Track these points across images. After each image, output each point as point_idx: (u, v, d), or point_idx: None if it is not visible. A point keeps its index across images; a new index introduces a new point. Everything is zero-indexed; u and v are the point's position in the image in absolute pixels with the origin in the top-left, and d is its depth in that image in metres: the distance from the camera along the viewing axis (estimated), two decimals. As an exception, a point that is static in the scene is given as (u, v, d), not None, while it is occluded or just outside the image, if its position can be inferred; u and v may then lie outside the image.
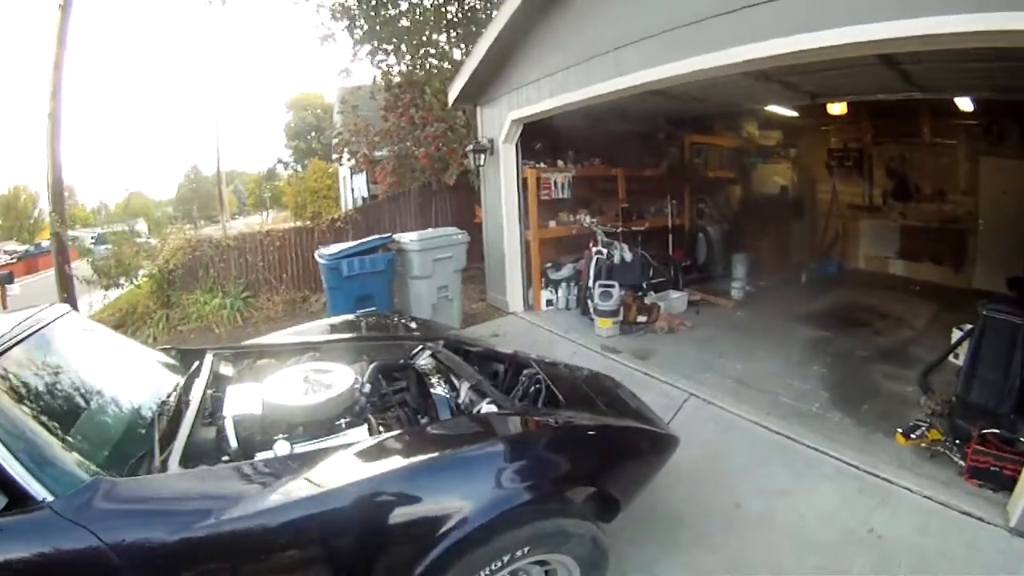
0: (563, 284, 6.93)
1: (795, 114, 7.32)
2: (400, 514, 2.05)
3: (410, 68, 10.07)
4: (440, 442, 2.38)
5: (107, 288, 9.42)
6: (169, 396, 2.70)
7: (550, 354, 5.43)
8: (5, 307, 10.02)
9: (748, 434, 3.84)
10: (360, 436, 2.46)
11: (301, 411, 2.55)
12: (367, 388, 2.88)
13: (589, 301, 6.14)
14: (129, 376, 2.86)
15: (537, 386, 2.96)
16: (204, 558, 1.78)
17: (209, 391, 2.82)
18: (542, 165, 6.88)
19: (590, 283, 6.12)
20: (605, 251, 6.25)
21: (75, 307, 9.64)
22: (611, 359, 5.24)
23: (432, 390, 2.88)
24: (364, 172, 12.45)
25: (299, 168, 18.35)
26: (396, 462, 2.17)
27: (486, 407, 2.62)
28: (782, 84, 5.50)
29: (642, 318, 5.96)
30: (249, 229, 11.37)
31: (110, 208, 45.38)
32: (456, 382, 2.94)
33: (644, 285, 6.38)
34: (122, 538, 1.68)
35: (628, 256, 6.30)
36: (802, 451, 3.56)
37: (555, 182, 6.87)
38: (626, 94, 4.84)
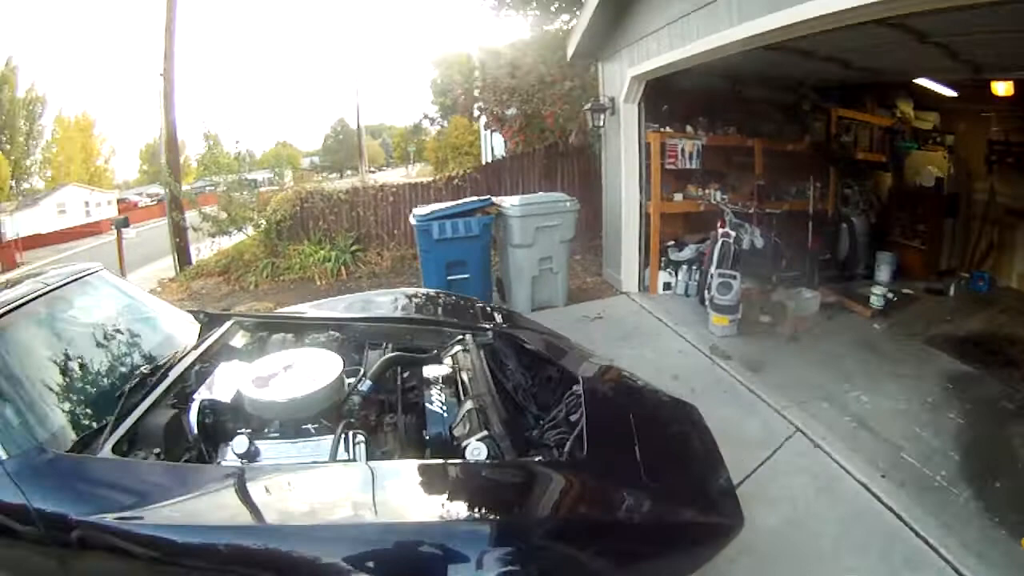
0: (684, 267, 6.75)
1: (954, 93, 6.69)
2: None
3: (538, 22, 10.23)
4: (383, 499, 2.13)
5: (213, 236, 10.58)
6: (155, 369, 2.90)
7: (649, 350, 5.39)
8: (120, 250, 11.59)
9: (850, 502, 3.36)
10: (318, 451, 2.41)
11: (268, 406, 2.54)
12: (366, 385, 2.81)
13: (707, 291, 5.90)
14: (128, 344, 3.19)
15: (574, 416, 2.70)
16: (98, 546, 2.05)
17: (196, 367, 2.98)
18: (668, 130, 6.68)
19: (712, 269, 5.83)
20: (734, 234, 5.92)
21: (186, 254, 10.93)
22: (718, 365, 5.02)
23: (427, 403, 2.68)
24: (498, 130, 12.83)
25: (444, 124, 19.60)
26: (300, 508, 2.10)
27: (475, 445, 2.31)
28: (941, 49, 4.99)
29: (765, 318, 5.69)
30: (376, 182, 12.11)
31: (255, 155, 49.91)
32: (464, 395, 2.72)
33: (774, 278, 6.08)
34: (42, 505, 2.09)
35: (759, 242, 6.01)
36: (908, 539, 3.10)
37: (682, 150, 6.65)
38: (752, 45, 4.53)
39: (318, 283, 9.30)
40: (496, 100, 10.93)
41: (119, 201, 45.55)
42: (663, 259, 6.89)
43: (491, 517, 2.05)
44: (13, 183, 46.23)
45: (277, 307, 7.42)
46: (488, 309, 4.20)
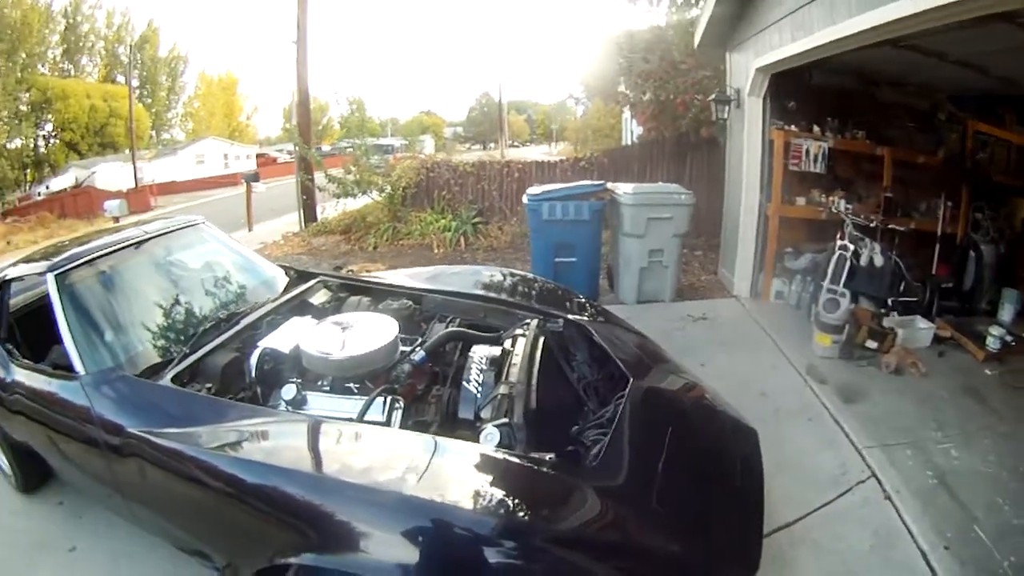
0: (798, 276, 6.76)
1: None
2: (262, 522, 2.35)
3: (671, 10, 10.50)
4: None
5: (338, 198, 11.64)
6: (231, 315, 3.57)
7: (744, 360, 5.44)
8: (249, 202, 12.91)
9: (903, 569, 3.14)
10: (356, 409, 2.73)
11: (320, 361, 2.94)
12: (418, 355, 3.08)
13: (814, 305, 5.89)
14: (215, 291, 3.96)
15: (604, 430, 2.70)
16: (141, 455, 2.66)
17: (269, 317, 3.54)
18: (793, 128, 6.72)
19: (824, 283, 5.77)
20: (852, 247, 5.83)
21: (312, 211, 12.12)
22: (810, 388, 4.96)
23: (465, 383, 2.88)
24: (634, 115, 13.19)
25: (588, 104, 20.22)
26: (324, 460, 2.41)
27: (489, 430, 2.46)
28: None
29: (871, 344, 5.50)
30: (511, 157, 12.83)
31: (399, 121, 52.63)
32: (502, 378, 2.86)
33: (889, 302, 5.94)
34: (102, 413, 2.83)
35: (879, 260, 5.90)
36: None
37: (807, 151, 6.68)
38: (874, 39, 4.56)
39: (435, 251, 10.06)
40: (631, 84, 11.28)
41: (258, 156, 50.12)
42: (778, 266, 6.94)
43: (492, 511, 2.10)
44: (153, 133, 51.88)
45: (388, 269, 8.03)
46: (582, 301, 4.31)
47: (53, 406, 3.12)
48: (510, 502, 2.13)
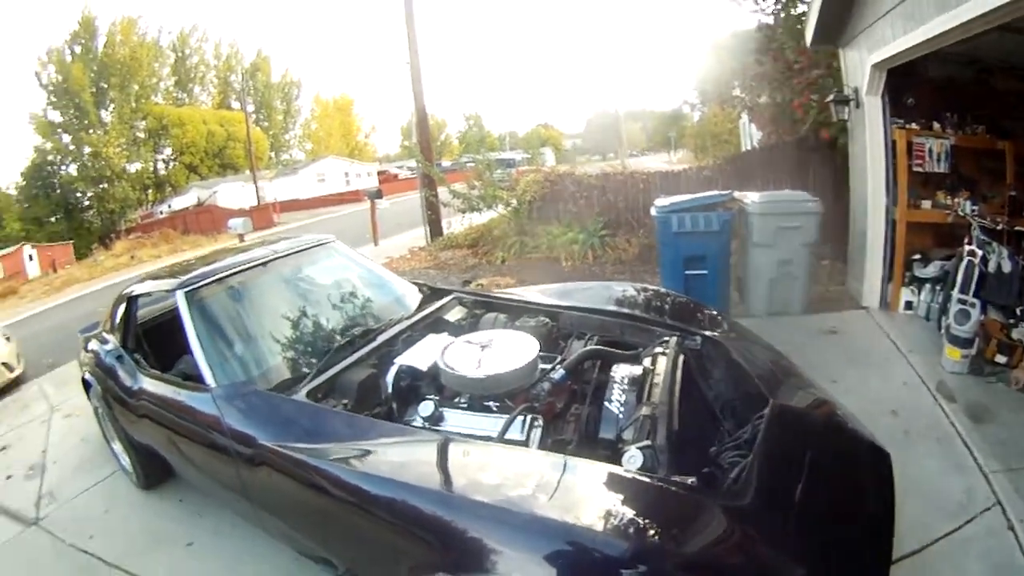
0: (928, 285, 6.58)
1: None
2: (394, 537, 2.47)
3: (777, 7, 10.43)
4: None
5: (464, 212, 12.29)
6: (366, 332, 3.79)
7: (874, 376, 5.39)
8: (374, 217, 13.87)
9: None
10: (495, 427, 2.80)
11: (459, 379, 3.04)
12: (558, 373, 3.11)
13: (944, 316, 5.71)
14: (349, 308, 4.24)
15: (742, 452, 2.71)
16: (272, 466, 2.91)
17: (405, 334, 3.76)
18: (914, 126, 6.61)
19: (954, 292, 5.50)
20: (980, 253, 5.46)
21: (437, 226, 13.34)
22: (939, 407, 4.86)
23: (607, 402, 2.90)
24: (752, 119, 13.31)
25: (704, 110, 20.37)
26: (466, 480, 2.46)
27: (632, 452, 2.47)
28: None
29: (1001, 358, 5.28)
30: (630, 167, 13.23)
31: (518, 135, 54.16)
32: (644, 400, 2.88)
33: (1019, 311, 5.57)
34: (232, 424, 3.12)
35: (1007, 265, 5.44)
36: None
37: (930, 150, 6.52)
38: (991, 24, 4.42)
39: (564, 264, 10.42)
40: (745, 87, 11.41)
41: (379, 173, 52.84)
42: (907, 274, 6.79)
43: (627, 533, 2.11)
44: (272, 154, 55.54)
45: (518, 283, 8.61)
46: (715, 316, 4.30)
47: (182, 414, 3.48)
48: (649, 525, 2.13)
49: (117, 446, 4.76)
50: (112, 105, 46.29)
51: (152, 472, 4.51)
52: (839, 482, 2.69)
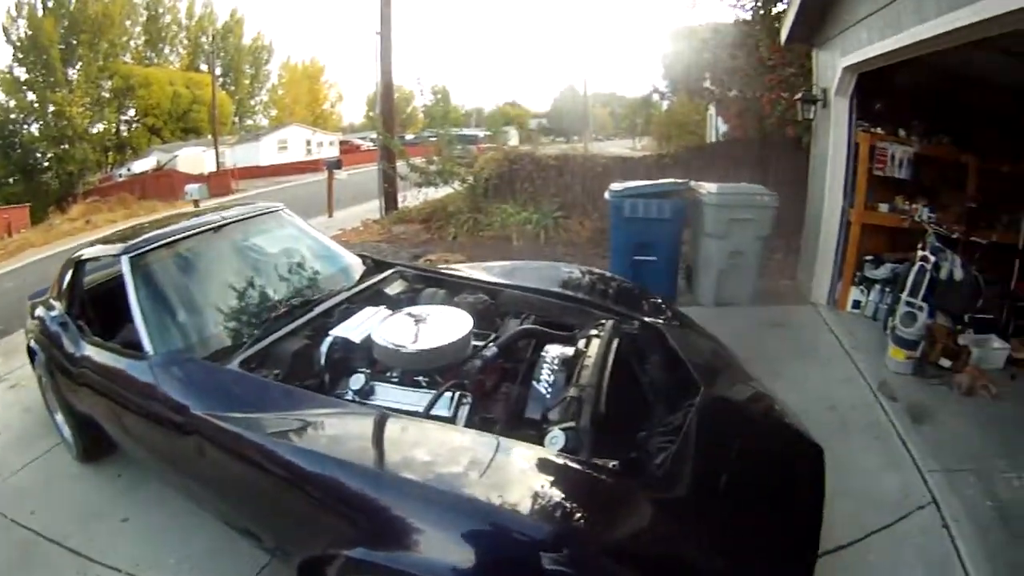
0: (877, 286, 6.68)
1: None
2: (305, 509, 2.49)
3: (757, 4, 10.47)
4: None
5: (420, 187, 12.18)
6: (305, 302, 3.73)
7: (816, 371, 5.48)
8: (331, 188, 13.59)
9: None
10: (423, 403, 2.79)
11: (391, 353, 3.03)
12: (490, 351, 3.11)
13: (891, 318, 5.78)
14: (291, 277, 4.17)
15: (671, 438, 2.69)
16: (205, 436, 2.85)
17: (343, 306, 3.69)
18: (879, 131, 6.63)
19: (903, 295, 5.59)
20: (933, 259, 5.62)
21: (393, 199, 12.82)
22: (879, 405, 4.94)
23: (535, 382, 2.88)
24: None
25: (673, 99, 20.34)
26: (380, 454, 2.48)
27: (555, 433, 2.48)
28: None
29: (945, 362, 5.41)
30: (594, 151, 13.12)
31: (484, 112, 53.91)
32: (574, 381, 2.83)
33: (967, 318, 5.80)
34: (167, 391, 3.05)
35: (959, 273, 5.61)
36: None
37: (892, 155, 6.57)
38: (962, 40, 4.46)
39: (515, 243, 10.39)
40: (716, 80, 11.49)
41: (341, 143, 51.99)
42: (857, 274, 6.86)
43: (548, 516, 2.12)
44: (236, 120, 54.78)
45: (468, 260, 8.44)
46: (659, 303, 4.31)
47: (121, 382, 3.41)
48: (568, 509, 2.14)
49: (59, 417, 4.62)
50: (80, 63, 44.65)
51: (92, 445, 4.38)
52: (767, 474, 2.73)
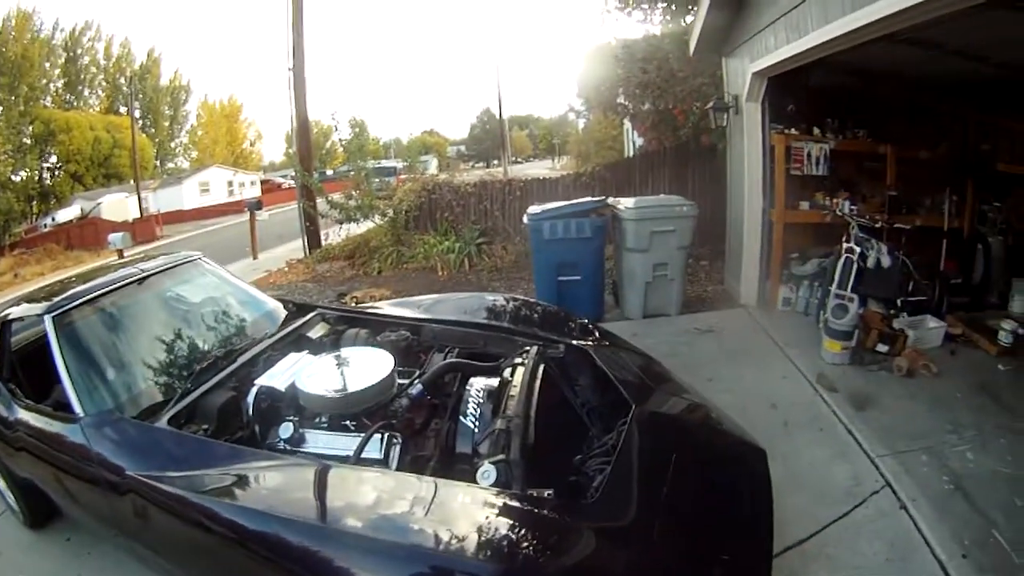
0: (805, 282, 6.74)
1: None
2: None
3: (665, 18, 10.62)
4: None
5: (341, 223, 11.89)
6: (228, 352, 3.62)
7: (752, 372, 5.42)
8: (253, 230, 13.15)
9: None
10: (346, 447, 2.76)
11: (316, 399, 2.97)
12: (416, 388, 3.10)
13: (822, 311, 5.87)
14: (213, 327, 4.05)
15: (608, 459, 2.67)
16: (141, 496, 2.71)
17: (266, 354, 3.60)
18: (793, 132, 6.74)
19: (832, 288, 5.72)
20: (858, 250, 5.75)
21: (316, 237, 12.43)
22: (821, 398, 4.93)
23: (462, 416, 2.87)
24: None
25: (588, 117, 20.53)
26: (311, 504, 2.41)
27: (486, 467, 2.46)
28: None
29: (882, 347, 5.47)
30: (512, 175, 13.00)
31: (402, 142, 53.71)
32: (500, 411, 2.81)
33: (899, 303, 5.89)
34: (101, 452, 2.91)
35: (886, 260, 5.77)
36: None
37: (808, 154, 6.64)
38: (871, 35, 4.49)
39: (440, 273, 10.18)
40: (629, 95, 11.44)
41: (263, 182, 51.29)
42: (785, 272, 6.91)
43: (492, 555, 2.09)
44: (158, 163, 53.47)
45: (393, 294, 8.27)
46: (584, 324, 4.33)
47: (55, 446, 3.23)
48: (510, 544, 2.11)
49: (1, 483, 4.37)
50: (0, 108, 43.18)
51: (38, 510, 4.15)
52: (709, 482, 2.74)
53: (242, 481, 2.58)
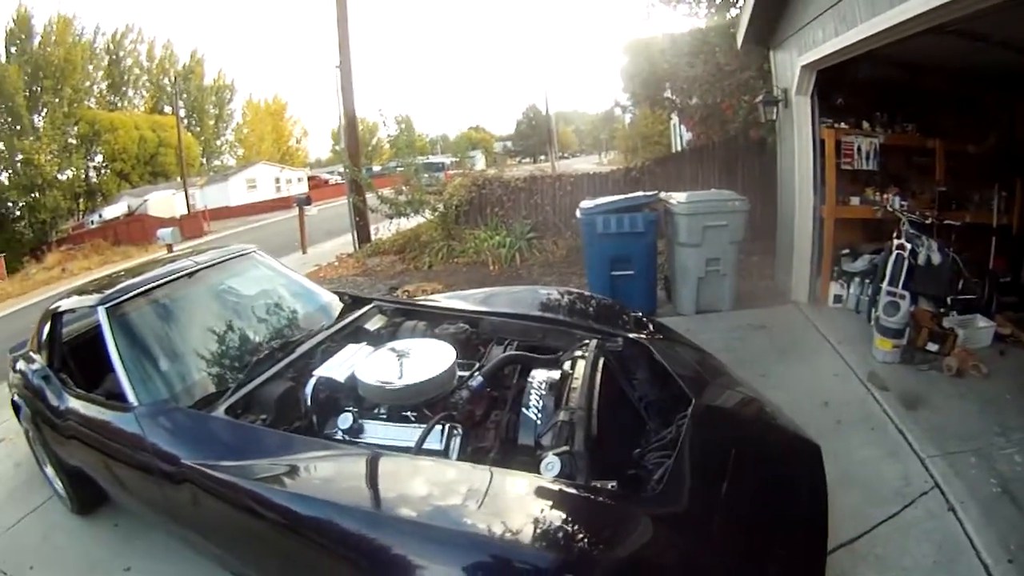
0: (857, 279, 6.66)
1: None
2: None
3: (711, 11, 10.56)
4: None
5: (391, 218, 12.13)
6: (285, 344, 3.69)
7: (804, 369, 5.38)
8: (302, 225, 13.40)
9: None
10: (414, 438, 2.74)
11: (376, 390, 2.99)
12: (476, 381, 3.08)
13: (873, 308, 5.73)
14: (270, 320, 4.12)
15: (667, 452, 2.66)
16: (196, 484, 2.78)
17: (324, 345, 3.67)
18: (843, 126, 6.64)
19: (883, 285, 5.54)
20: (909, 246, 5.57)
21: (365, 232, 12.64)
22: (871, 396, 4.88)
23: (524, 408, 2.82)
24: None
25: (635, 112, 20.44)
26: (377, 494, 2.41)
27: (550, 459, 2.43)
28: None
29: (932, 346, 5.33)
30: (561, 169, 13.11)
31: (449, 138, 54.10)
32: (563, 404, 2.81)
33: (949, 301, 5.80)
34: (155, 443, 2.99)
35: (936, 257, 5.64)
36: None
37: (859, 148, 6.57)
38: (918, 27, 4.45)
39: (491, 268, 10.30)
40: (676, 89, 11.45)
41: (310, 179, 52.10)
42: (835, 269, 6.82)
43: (550, 543, 2.07)
44: (204, 160, 54.27)
45: (445, 288, 8.42)
46: (640, 317, 4.32)
47: (108, 435, 3.34)
48: (570, 535, 2.10)
49: (49, 470, 4.52)
50: (45, 109, 44.02)
51: (86, 496, 4.26)
52: (767, 478, 2.73)
53: (298, 469, 2.62)
